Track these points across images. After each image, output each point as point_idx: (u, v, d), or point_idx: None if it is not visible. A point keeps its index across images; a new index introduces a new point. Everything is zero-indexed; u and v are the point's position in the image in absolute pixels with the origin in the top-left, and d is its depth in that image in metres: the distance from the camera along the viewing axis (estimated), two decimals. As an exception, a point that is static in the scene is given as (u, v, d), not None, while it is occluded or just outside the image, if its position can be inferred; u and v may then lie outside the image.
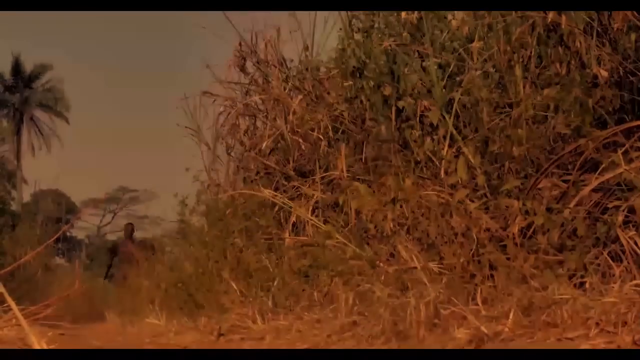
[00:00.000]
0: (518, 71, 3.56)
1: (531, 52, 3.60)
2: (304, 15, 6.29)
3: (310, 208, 5.00)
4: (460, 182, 3.47)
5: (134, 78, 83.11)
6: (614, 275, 2.65)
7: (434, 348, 2.65)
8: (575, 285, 2.73)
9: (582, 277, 2.76)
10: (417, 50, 4.54)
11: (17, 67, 44.79)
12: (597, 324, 2.37)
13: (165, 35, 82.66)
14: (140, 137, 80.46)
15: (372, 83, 4.86)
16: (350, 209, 4.20)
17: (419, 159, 4.00)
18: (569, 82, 3.28)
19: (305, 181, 5.43)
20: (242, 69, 7.10)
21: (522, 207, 3.07)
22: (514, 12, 3.63)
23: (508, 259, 3.00)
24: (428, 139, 4.10)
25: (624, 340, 2.21)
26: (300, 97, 6.11)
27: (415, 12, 4.43)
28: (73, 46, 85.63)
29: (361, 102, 5.11)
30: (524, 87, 3.54)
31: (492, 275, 3.07)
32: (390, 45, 4.55)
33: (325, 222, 4.66)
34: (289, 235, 5.16)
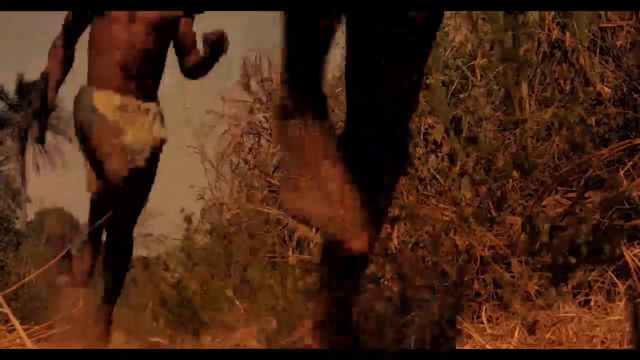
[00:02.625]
0: (524, 88, 3.56)
1: (536, 69, 3.60)
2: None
3: (315, 226, 4.98)
4: (464, 199, 3.47)
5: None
6: (619, 293, 2.64)
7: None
8: (580, 303, 2.72)
9: (586, 295, 2.75)
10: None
11: (21, 86, 44.98)
12: (603, 342, 2.36)
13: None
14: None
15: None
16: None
17: (423, 177, 4.00)
18: (572, 100, 3.27)
19: (309, 199, 5.41)
20: (246, 87, 7.13)
21: (527, 224, 3.06)
22: (516, 28, 3.64)
23: (512, 277, 2.99)
24: (432, 157, 4.10)
25: (630, 359, 2.20)
26: (304, 115, 6.11)
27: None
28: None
29: (365, 119, 5.10)
30: (529, 104, 3.54)
31: (496, 293, 3.05)
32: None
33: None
34: (293, 254, 5.15)
